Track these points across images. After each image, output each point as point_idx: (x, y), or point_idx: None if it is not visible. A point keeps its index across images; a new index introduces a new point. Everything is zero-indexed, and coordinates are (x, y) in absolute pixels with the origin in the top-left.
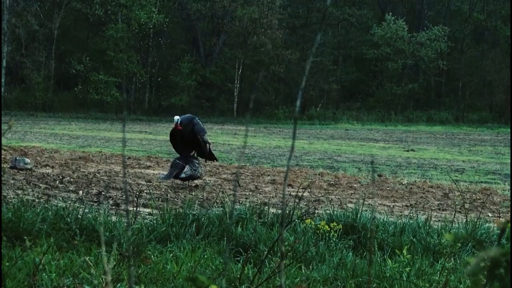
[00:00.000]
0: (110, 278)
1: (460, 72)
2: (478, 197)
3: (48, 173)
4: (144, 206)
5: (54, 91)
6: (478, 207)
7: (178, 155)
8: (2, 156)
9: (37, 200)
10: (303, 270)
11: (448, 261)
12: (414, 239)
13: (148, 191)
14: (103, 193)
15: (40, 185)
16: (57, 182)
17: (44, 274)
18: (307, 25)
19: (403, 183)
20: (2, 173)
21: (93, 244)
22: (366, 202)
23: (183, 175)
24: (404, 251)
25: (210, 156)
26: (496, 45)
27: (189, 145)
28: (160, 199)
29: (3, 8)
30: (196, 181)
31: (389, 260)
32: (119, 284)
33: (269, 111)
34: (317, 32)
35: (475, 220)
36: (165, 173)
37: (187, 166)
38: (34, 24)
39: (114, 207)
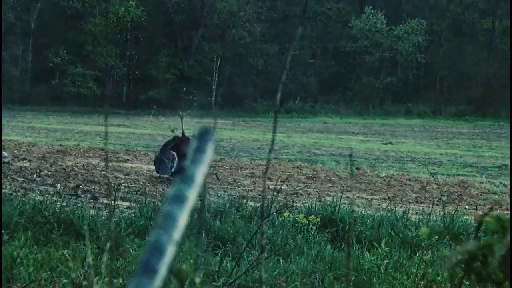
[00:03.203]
0: (93, 272)
1: (438, 65)
2: (455, 190)
3: (26, 166)
4: (122, 199)
5: (31, 84)
6: (456, 200)
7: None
8: None
9: (14, 194)
10: (281, 263)
11: (426, 253)
12: (392, 232)
13: (126, 184)
14: (81, 186)
15: (18, 178)
16: (35, 175)
17: (21, 268)
18: (285, 19)
19: (381, 176)
20: None
21: (71, 237)
22: (344, 195)
23: (172, 170)
24: (382, 244)
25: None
26: (473, 38)
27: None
28: (138, 192)
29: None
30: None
31: (367, 253)
32: (97, 277)
33: (247, 104)
34: (298, 26)
35: (453, 213)
36: (157, 168)
37: (175, 160)
38: (11, 17)
39: (92, 200)
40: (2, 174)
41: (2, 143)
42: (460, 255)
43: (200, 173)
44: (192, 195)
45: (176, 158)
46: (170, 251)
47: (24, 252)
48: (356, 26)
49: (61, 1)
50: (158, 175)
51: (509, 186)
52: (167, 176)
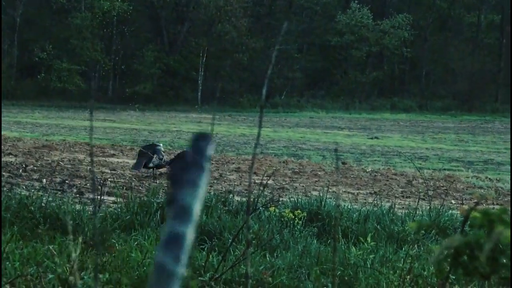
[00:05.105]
0: (76, 267)
1: (424, 60)
2: (441, 185)
3: (11, 161)
4: (109, 194)
5: (17, 79)
6: (442, 194)
7: (144, 144)
8: None
9: None
10: (267, 258)
11: (412, 248)
12: (378, 227)
13: (112, 179)
14: (67, 181)
15: (3, 173)
16: (21, 170)
17: (7, 263)
18: (271, 13)
19: (367, 170)
20: None
21: (57, 232)
22: (330, 190)
23: (151, 164)
24: (368, 239)
25: None
26: (459, 33)
27: None
28: (125, 187)
29: None
30: (161, 169)
31: (353, 248)
32: (83, 273)
33: (233, 99)
34: (284, 20)
35: (439, 207)
36: (134, 162)
37: (155, 155)
38: None
39: (78, 195)
40: None
41: None
42: (448, 250)
43: (197, 204)
44: (189, 235)
45: (163, 154)
46: None
47: (10, 247)
48: (342, 21)
49: None
50: (144, 170)
51: (494, 181)
52: (136, 171)
